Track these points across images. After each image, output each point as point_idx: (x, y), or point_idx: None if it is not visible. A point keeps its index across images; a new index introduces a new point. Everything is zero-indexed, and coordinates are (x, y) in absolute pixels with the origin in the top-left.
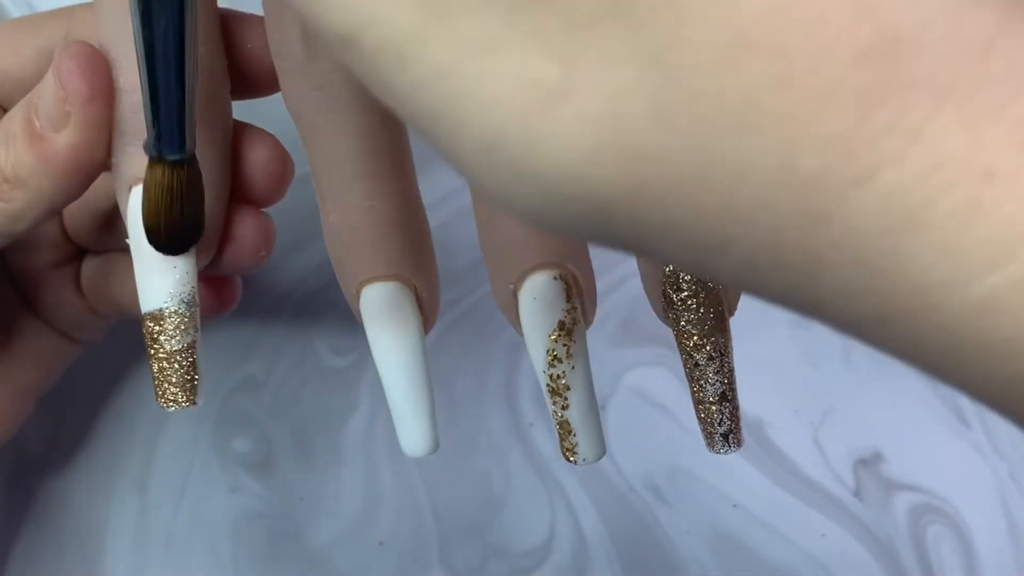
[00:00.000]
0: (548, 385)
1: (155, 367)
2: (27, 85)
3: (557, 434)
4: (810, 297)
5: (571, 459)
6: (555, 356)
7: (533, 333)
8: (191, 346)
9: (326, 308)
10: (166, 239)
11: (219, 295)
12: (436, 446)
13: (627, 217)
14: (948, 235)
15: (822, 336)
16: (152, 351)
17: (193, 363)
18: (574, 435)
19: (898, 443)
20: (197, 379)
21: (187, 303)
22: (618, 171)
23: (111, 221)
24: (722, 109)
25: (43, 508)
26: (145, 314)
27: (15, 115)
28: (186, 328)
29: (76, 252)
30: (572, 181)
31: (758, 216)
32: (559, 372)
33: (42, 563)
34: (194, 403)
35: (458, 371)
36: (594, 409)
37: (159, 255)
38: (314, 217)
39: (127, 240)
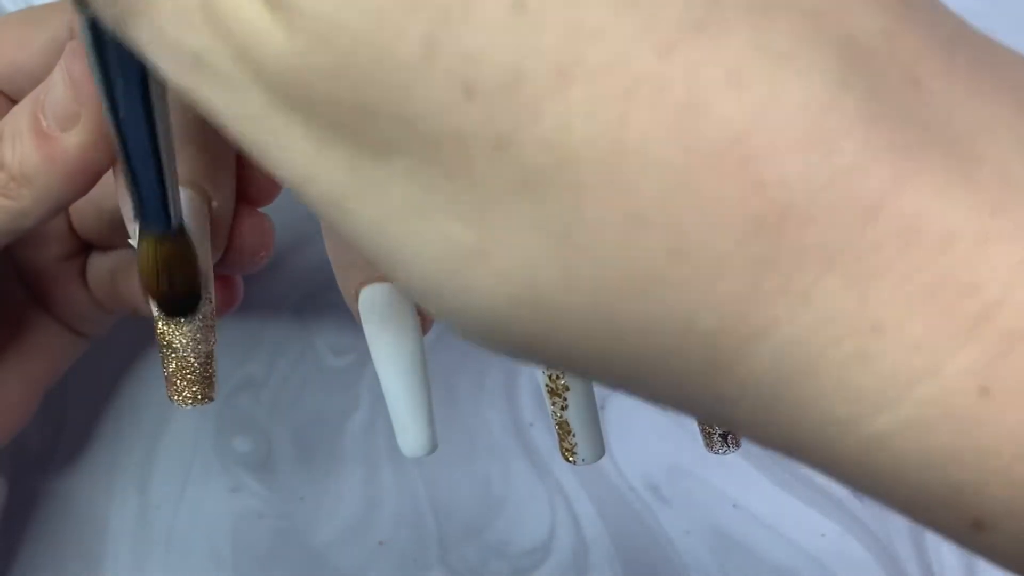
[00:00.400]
0: (547, 385)
1: (172, 367)
2: (36, 78)
3: (556, 434)
4: (726, 423)
5: (570, 459)
6: None
7: None
8: (207, 340)
9: (326, 308)
10: (162, 308)
11: (222, 295)
12: (434, 447)
13: (547, 356)
14: (839, 382)
15: None
16: (167, 351)
17: (209, 360)
18: (573, 435)
19: None
20: (213, 374)
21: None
22: (534, 321)
23: (117, 219)
24: (624, 277)
25: (44, 508)
26: (157, 315)
27: (22, 112)
28: (202, 326)
29: (83, 247)
30: (496, 326)
31: (666, 363)
32: (558, 372)
33: (42, 563)
34: (211, 399)
35: (458, 371)
36: (593, 409)
37: None
38: (314, 217)
39: (131, 243)
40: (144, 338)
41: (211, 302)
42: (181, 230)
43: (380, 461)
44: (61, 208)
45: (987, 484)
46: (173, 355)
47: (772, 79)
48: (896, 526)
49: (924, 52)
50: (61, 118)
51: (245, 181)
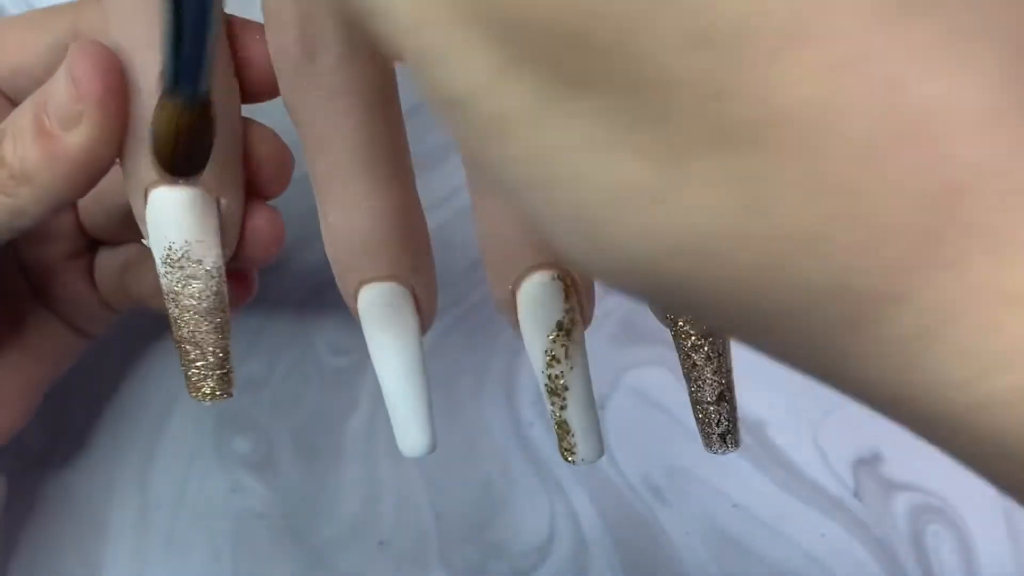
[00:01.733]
0: (547, 385)
1: (189, 363)
2: (39, 80)
3: (556, 434)
4: (833, 377)
5: (569, 459)
6: (553, 356)
7: (532, 334)
8: (223, 335)
9: (326, 308)
10: (167, 170)
11: (236, 288)
12: (433, 446)
13: (684, 301)
14: (966, 347)
15: None
16: (185, 347)
17: (226, 355)
18: (572, 435)
19: (897, 443)
20: (230, 369)
21: (215, 295)
22: (689, 268)
23: (127, 214)
24: (797, 237)
25: (43, 508)
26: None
27: (24, 111)
28: (219, 321)
29: (90, 244)
30: (646, 269)
31: (804, 318)
32: (557, 372)
33: (42, 563)
34: (230, 394)
35: (458, 371)
36: (592, 409)
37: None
38: (314, 217)
39: (144, 242)
40: (145, 338)
41: (225, 299)
42: (207, 103)
43: (380, 461)
44: (59, 208)
45: None
46: (190, 351)
47: (964, 60)
48: (896, 526)
49: None
50: (63, 118)
51: (254, 174)
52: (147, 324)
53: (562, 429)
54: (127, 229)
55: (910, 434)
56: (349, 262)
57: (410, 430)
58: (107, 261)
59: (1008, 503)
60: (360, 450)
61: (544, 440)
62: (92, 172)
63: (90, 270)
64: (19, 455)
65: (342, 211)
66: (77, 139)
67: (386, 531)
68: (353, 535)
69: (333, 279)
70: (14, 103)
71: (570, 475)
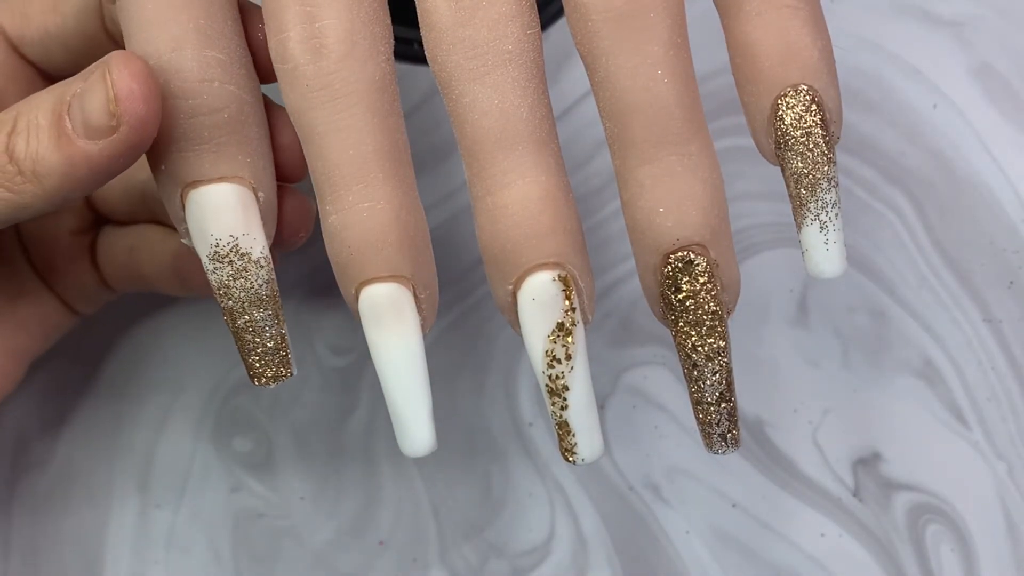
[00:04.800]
0: (547, 385)
1: (248, 352)
2: (67, 44)
3: (556, 434)
4: None
5: (570, 459)
6: (554, 357)
7: (531, 334)
8: (279, 320)
9: (326, 308)
10: None
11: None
12: (434, 446)
13: None
14: None
15: (822, 336)
16: (243, 336)
17: (283, 337)
18: (573, 435)
19: (897, 443)
20: (288, 351)
21: (266, 284)
22: None
23: (143, 193)
24: None
25: (43, 507)
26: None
27: (41, 107)
28: (271, 312)
29: (95, 221)
30: None
31: None
32: (558, 373)
33: (42, 562)
34: (291, 374)
35: (458, 371)
36: (593, 409)
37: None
38: (315, 215)
39: (184, 241)
40: (146, 337)
41: (276, 286)
42: None
43: (380, 461)
44: (64, 207)
45: None
46: (248, 340)
47: None
48: (896, 526)
49: None
50: (93, 127)
51: (277, 158)
52: (149, 322)
53: (563, 429)
54: (141, 208)
55: (909, 434)
56: (349, 262)
57: (410, 430)
58: (113, 241)
59: (1007, 501)
60: (360, 450)
61: (544, 440)
62: (106, 179)
63: (93, 248)
64: (19, 456)
65: (342, 211)
66: (100, 150)
67: (386, 531)
68: (353, 535)
69: (333, 279)
70: (41, 71)
71: (570, 475)
